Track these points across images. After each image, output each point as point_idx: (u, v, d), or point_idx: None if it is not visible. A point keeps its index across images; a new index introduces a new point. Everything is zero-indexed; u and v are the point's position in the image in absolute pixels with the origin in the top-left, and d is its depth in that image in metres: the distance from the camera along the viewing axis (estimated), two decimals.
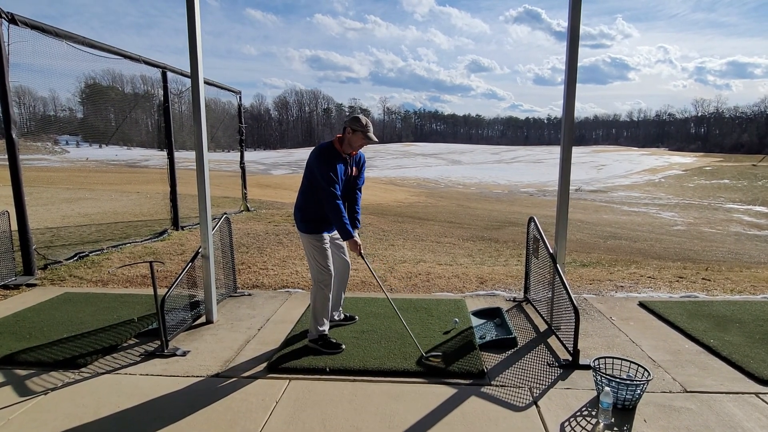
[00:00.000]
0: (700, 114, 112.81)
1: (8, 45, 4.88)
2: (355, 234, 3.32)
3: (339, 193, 3.24)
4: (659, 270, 6.05)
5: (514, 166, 53.51)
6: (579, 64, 3.51)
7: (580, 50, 3.49)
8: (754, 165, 45.24)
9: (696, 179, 38.63)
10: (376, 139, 3.38)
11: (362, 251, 3.33)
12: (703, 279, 5.45)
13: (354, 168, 3.45)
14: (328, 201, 3.20)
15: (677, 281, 5.34)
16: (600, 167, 49.48)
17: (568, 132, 3.58)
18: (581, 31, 3.49)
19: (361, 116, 3.32)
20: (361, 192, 3.60)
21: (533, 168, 50.97)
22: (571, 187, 3.75)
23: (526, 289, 4.52)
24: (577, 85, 3.54)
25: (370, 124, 3.33)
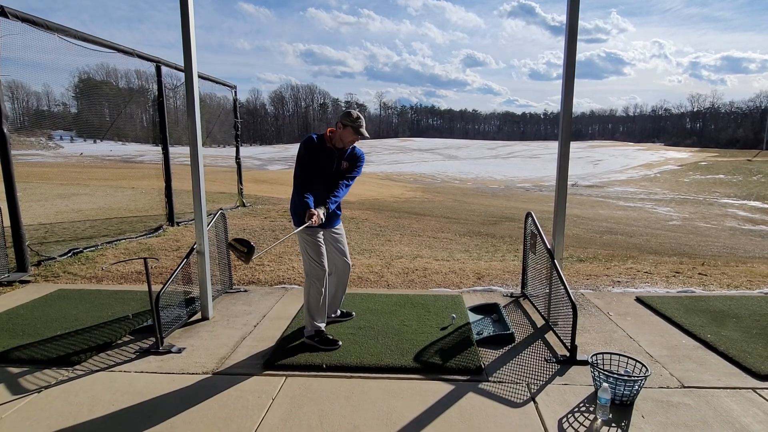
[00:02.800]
0: (695, 109, 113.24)
1: None
2: (320, 211, 3.13)
3: (308, 178, 3.24)
4: (656, 265, 6.06)
5: (511, 161, 53.53)
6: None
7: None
8: (749, 160, 45.42)
9: (691, 174, 38.78)
10: (368, 135, 3.31)
11: (314, 222, 3.09)
12: (699, 274, 5.46)
13: (345, 162, 3.36)
14: (294, 182, 3.25)
15: (674, 276, 5.35)
16: (596, 162, 49.58)
17: (566, 127, 3.55)
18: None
19: (353, 111, 3.28)
20: (349, 182, 3.39)
21: (529, 163, 51.01)
22: (568, 182, 3.73)
23: (524, 285, 4.51)
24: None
25: (362, 120, 3.27)
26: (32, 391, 2.80)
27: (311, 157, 3.27)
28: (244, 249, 2.87)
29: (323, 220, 3.18)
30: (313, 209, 3.14)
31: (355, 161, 3.43)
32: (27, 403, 2.66)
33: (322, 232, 3.38)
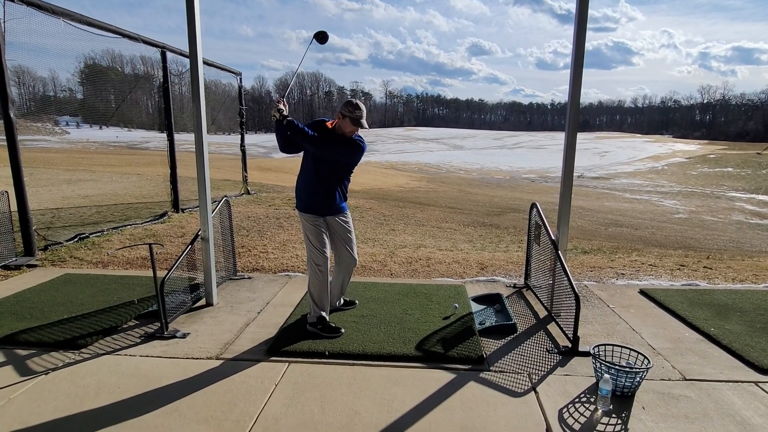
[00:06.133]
0: (705, 101, 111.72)
1: (4, 22, 4.79)
2: (282, 106, 3.20)
3: (308, 131, 3.14)
4: (660, 258, 6.03)
5: (517, 152, 53.17)
6: None
7: None
8: (758, 153, 44.83)
9: (699, 167, 38.39)
10: (367, 126, 3.24)
11: (278, 109, 3.19)
12: (704, 267, 5.43)
13: (342, 146, 3.27)
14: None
15: (678, 269, 5.33)
16: (603, 154, 49.17)
17: (573, 118, 3.51)
18: None
19: (353, 100, 3.21)
20: (333, 150, 3.28)
21: (535, 154, 50.66)
22: (573, 173, 3.70)
23: (527, 276, 4.51)
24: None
25: (361, 110, 3.19)
26: (40, 372, 2.84)
27: (308, 127, 3.24)
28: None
29: (279, 113, 3.18)
30: (285, 108, 3.20)
31: (352, 145, 3.28)
32: (35, 385, 2.71)
33: (322, 220, 3.38)
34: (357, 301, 3.96)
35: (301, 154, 3.42)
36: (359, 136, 3.35)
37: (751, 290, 4.49)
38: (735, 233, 13.14)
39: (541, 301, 4.04)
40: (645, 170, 37.58)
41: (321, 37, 3.59)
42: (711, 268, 5.39)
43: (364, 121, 3.22)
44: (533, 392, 2.69)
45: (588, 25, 3.39)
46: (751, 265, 5.68)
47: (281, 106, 3.20)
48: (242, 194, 11.02)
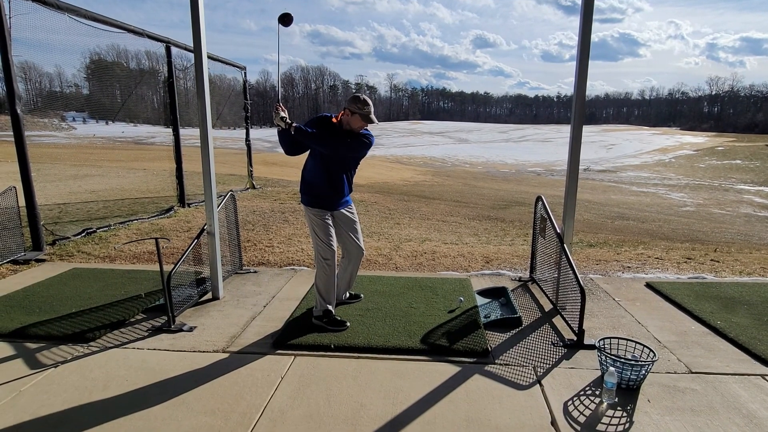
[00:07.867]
0: (714, 92, 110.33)
1: (10, 18, 4.81)
2: (285, 113, 3.17)
3: (317, 134, 3.15)
4: (667, 251, 5.99)
5: (522, 145, 52.89)
6: None
7: None
8: (767, 145, 44.29)
9: (707, 159, 38.01)
10: (376, 120, 3.24)
11: (281, 117, 3.15)
12: (711, 260, 5.39)
13: (349, 139, 3.26)
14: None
15: (685, 262, 5.29)
16: (609, 147, 48.80)
17: (579, 110, 3.49)
18: None
19: (360, 95, 3.19)
20: (340, 146, 3.26)
21: (541, 147, 50.37)
22: (579, 167, 3.68)
23: (532, 269, 4.50)
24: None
25: (369, 105, 3.18)
26: (49, 366, 2.88)
27: (315, 126, 3.24)
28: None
29: (283, 121, 3.15)
30: (285, 113, 3.16)
31: (361, 140, 3.29)
32: (44, 378, 2.75)
33: (329, 213, 3.38)
34: (362, 295, 3.97)
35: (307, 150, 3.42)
36: (367, 131, 3.35)
37: (759, 283, 4.46)
38: (743, 226, 13.03)
39: (546, 295, 4.03)
40: (652, 163, 37.28)
41: (285, 20, 3.42)
42: (718, 261, 5.35)
43: (373, 117, 3.22)
44: (538, 385, 2.69)
45: (594, 16, 3.35)
46: (759, 258, 5.64)
47: (282, 114, 3.16)
48: (247, 189, 11.05)
